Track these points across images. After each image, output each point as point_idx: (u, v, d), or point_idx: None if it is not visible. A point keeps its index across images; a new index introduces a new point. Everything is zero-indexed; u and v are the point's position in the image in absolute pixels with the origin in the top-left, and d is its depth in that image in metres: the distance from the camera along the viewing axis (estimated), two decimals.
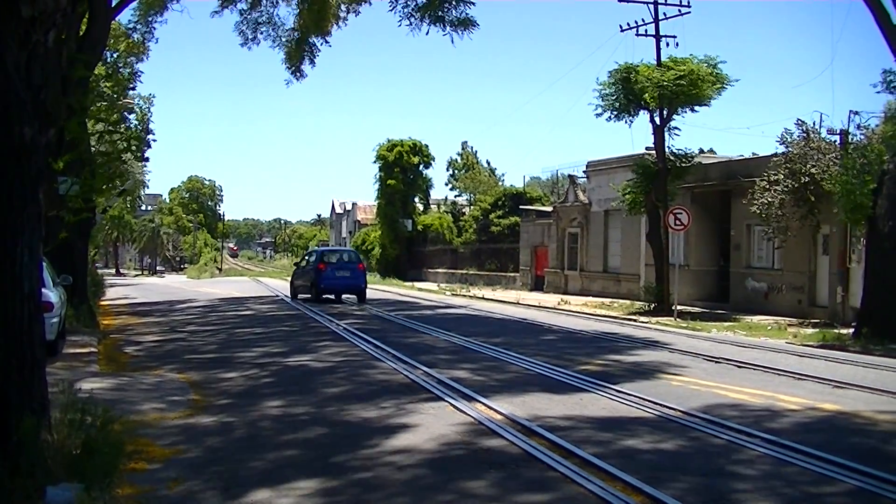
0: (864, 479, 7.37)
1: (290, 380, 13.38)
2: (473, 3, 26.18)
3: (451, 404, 10.90)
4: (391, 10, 26.50)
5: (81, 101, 8.72)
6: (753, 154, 35.39)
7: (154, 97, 23.93)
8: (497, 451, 8.41)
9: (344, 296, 34.26)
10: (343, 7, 29.19)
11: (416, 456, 8.23)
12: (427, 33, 26.59)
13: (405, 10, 26.36)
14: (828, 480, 7.43)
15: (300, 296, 35.00)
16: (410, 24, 26.49)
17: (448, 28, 26.22)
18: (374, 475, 7.54)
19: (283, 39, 29.86)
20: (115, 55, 33.78)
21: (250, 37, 29.65)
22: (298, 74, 30.80)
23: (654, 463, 7.99)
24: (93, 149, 22.62)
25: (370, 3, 29.31)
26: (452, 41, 26.69)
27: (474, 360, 15.78)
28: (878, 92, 22.60)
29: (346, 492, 7.07)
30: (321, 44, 30.37)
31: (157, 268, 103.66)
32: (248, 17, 29.18)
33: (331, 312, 27.35)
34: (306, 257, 38.35)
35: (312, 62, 30.86)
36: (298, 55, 30.14)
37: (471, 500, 6.83)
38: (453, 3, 25.95)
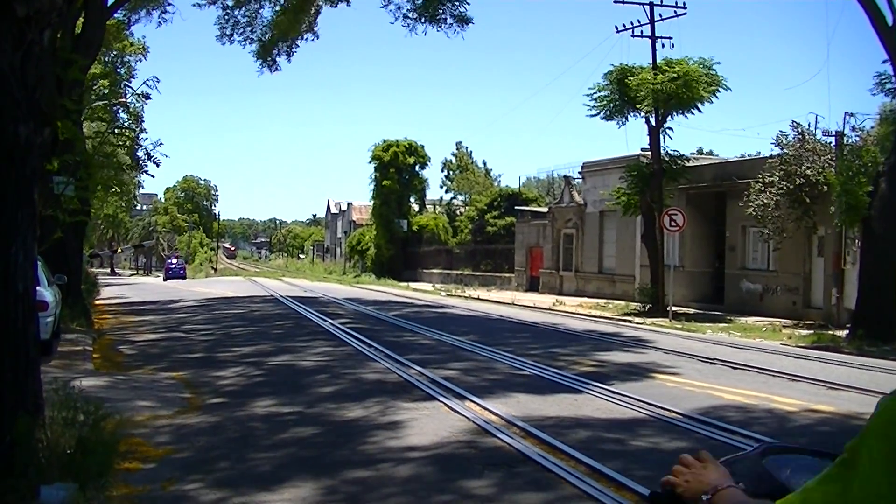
0: None
1: (283, 378, 13.38)
2: (469, 3, 26.27)
3: (446, 404, 10.90)
4: (384, 7, 26.55)
5: (77, 101, 8.72)
6: (758, 153, 35.40)
7: (158, 81, 23.42)
8: (492, 452, 8.40)
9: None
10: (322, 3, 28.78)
11: (411, 455, 8.23)
12: (425, 33, 26.61)
13: (400, 10, 26.38)
14: None
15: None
16: (407, 24, 26.52)
17: (443, 27, 26.22)
18: (370, 475, 7.54)
19: (256, 36, 29.30)
20: (112, 54, 33.75)
21: (227, 33, 29.26)
22: (273, 66, 30.20)
23: (649, 464, 8.00)
24: (92, 150, 22.59)
25: (348, 4, 29.08)
26: (448, 36, 26.75)
27: (468, 360, 15.78)
28: (874, 94, 22.71)
29: (342, 491, 7.06)
30: (304, 41, 29.90)
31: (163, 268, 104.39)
32: (231, 14, 28.90)
33: (324, 312, 27.33)
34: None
35: (289, 57, 30.36)
36: (270, 50, 29.58)
37: (467, 501, 6.83)
38: (448, 3, 25.96)
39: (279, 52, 29.70)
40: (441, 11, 26.13)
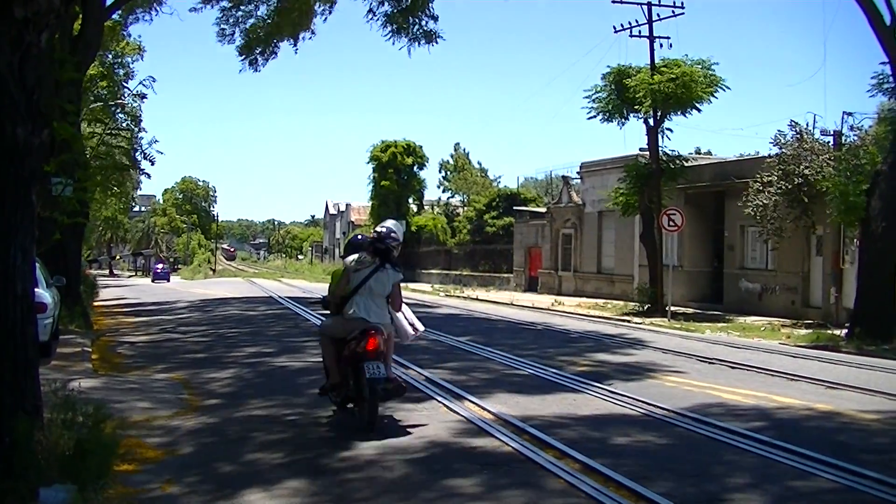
0: (855, 479, 7.39)
1: (281, 379, 13.38)
2: (437, 18, 26.52)
3: (444, 404, 10.90)
4: (367, 21, 26.70)
5: (75, 102, 8.71)
6: (756, 152, 35.37)
7: (154, 80, 23.20)
8: (489, 451, 8.40)
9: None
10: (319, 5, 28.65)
11: (406, 455, 8.22)
12: (392, 42, 26.78)
13: (383, 19, 26.46)
14: (819, 479, 7.45)
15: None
16: (391, 33, 26.64)
17: (410, 41, 26.44)
18: (367, 474, 7.54)
19: (251, 35, 29.02)
20: (110, 56, 33.76)
21: (228, 33, 29.03)
22: (255, 66, 29.90)
23: (647, 462, 8.00)
24: (91, 151, 22.63)
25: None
26: (409, 54, 27.21)
27: (466, 359, 15.79)
28: (872, 96, 22.75)
29: (336, 490, 7.07)
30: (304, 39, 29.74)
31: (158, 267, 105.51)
32: (230, 14, 28.75)
33: (322, 313, 27.30)
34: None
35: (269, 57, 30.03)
36: (261, 48, 29.31)
37: (459, 499, 6.83)
38: (418, 17, 26.11)
39: (262, 52, 29.42)
40: (412, 24, 26.27)
